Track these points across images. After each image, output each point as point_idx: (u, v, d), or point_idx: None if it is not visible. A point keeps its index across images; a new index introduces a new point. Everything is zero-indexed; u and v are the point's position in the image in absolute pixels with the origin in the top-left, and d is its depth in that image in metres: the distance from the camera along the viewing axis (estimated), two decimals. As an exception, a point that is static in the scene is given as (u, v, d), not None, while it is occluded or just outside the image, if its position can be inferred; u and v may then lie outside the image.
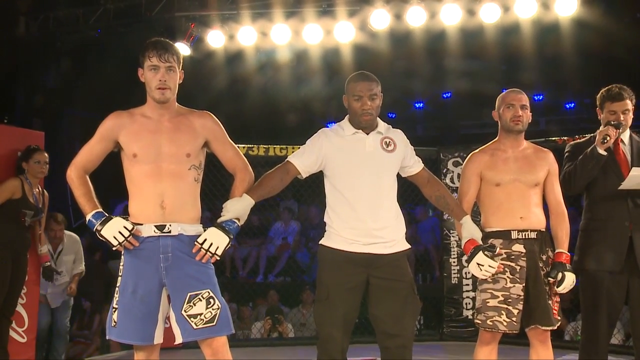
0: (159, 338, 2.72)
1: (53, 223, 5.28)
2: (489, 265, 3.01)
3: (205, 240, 2.69)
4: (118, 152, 2.83)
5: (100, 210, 2.73)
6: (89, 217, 2.71)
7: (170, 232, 2.69)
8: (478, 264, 3.02)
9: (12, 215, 4.43)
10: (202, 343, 2.71)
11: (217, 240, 2.69)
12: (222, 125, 2.87)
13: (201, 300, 2.66)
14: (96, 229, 2.68)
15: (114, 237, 2.65)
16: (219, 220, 2.76)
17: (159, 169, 2.70)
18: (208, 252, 2.69)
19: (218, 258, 2.72)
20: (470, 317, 5.65)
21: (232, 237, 2.72)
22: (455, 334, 5.80)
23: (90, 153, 2.80)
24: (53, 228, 5.28)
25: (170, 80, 2.73)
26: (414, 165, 3.08)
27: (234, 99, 8.83)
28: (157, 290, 2.70)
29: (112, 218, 2.69)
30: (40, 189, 4.66)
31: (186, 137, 2.76)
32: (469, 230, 3.06)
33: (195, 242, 2.70)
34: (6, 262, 4.40)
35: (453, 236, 5.84)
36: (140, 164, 2.72)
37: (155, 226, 2.69)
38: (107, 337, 2.77)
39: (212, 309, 2.66)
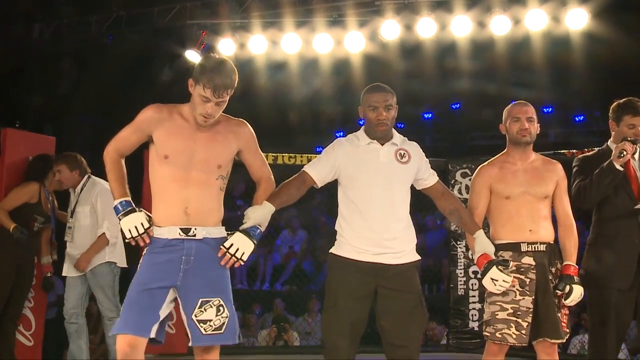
0: (154, 334, 2.65)
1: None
2: (503, 280, 3.00)
3: (232, 245, 2.70)
4: (146, 144, 2.79)
5: (129, 199, 2.73)
6: (116, 202, 2.71)
7: (195, 235, 2.69)
8: (492, 279, 3.01)
9: (22, 219, 4.41)
10: (197, 349, 2.71)
11: (243, 246, 2.71)
12: (254, 135, 2.86)
13: (212, 307, 2.66)
14: (119, 217, 2.70)
15: (129, 230, 2.67)
16: (242, 227, 2.76)
17: (187, 175, 2.69)
18: (233, 257, 2.70)
19: (242, 263, 2.73)
20: (476, 328, 5.63)
21: (256, 243, 2.75)
22: (462, 345, 5.78)
23: (125, 141, 2.77)
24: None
25: (216, 112, 2.69)
26: (429, 178, 3.09)
27: (243, 107, 8.84)
28: (166, 288, 2.67)
29: (135, 210, 2.69)
30: (51, 196, 4.64)
31: (220, 148, 2.74)
32: (482, 245, 3.07)
33: (222, 247, 2.70)
34: (10, 266, 4.38)
35: (460, 247, 5.82)
36: (169, 166, 2.69)
37: (181, 229, 2.68)
38: (109, 334, 2.73)
39: (221, 317, 2.66)
